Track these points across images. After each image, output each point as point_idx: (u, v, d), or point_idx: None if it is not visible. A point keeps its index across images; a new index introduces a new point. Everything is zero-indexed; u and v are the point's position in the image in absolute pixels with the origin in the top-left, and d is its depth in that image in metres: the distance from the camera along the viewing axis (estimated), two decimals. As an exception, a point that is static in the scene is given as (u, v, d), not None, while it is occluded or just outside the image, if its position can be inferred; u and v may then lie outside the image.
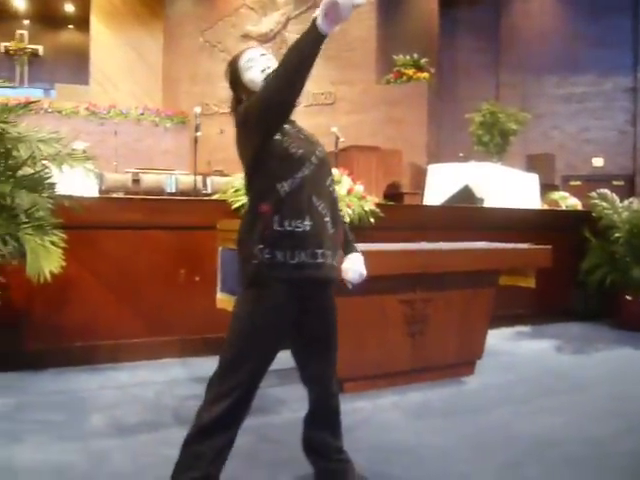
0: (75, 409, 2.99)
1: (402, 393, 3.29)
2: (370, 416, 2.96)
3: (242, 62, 1.98)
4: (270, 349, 1.87)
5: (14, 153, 2.59)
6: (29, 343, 3.58)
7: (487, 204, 5.72)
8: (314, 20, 1.62)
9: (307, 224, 1.78)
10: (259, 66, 1.94)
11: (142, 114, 12.75)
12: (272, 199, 1.77)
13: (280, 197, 1.76)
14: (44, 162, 2.74)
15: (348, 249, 2.12)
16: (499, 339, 4.56)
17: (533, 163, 9.29)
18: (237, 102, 1.99)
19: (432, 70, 11.49)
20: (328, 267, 1.86)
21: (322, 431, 2.09)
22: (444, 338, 3.50)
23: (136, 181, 8.26)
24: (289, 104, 1.72)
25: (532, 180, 6.98)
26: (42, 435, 2.65)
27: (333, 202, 1.94)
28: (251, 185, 1.86)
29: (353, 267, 2.06)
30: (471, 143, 9.81)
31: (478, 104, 9.95)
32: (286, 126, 1.85)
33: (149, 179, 8.31)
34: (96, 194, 4.77)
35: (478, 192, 5.71)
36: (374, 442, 2.64)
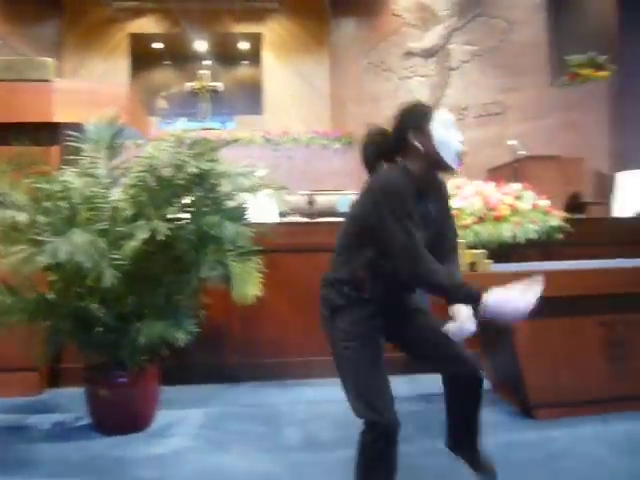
0: (272, 422, 3.18)
1: (603, 423, 3.01)
2: (569, 446, 2.76)
3: (438, 116, 1.96)
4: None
5: (219, 187, 2.87)
6: (228, 358, 3.90)
7: (691, 212, 5.12)
8: (480, 297, 1.84)
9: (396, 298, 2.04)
10: (456, 136, 1.96)
11: (312, 138, 13.35)
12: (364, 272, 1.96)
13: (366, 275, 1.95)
14: (242, 193, 2.99)
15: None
16: None
17: None
18: (391, 144, 1.98)
19: (613, 68, 10.59)
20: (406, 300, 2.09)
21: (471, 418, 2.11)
22: (650, 364, 3.18)
23: (310, 203, 8.63)
24: (402, 273, 1.83)
25: None
26: (244, 444, 2.86)
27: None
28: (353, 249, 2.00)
29: (455, 323, 1.94)
30: (662, 144, 8.87)
31: (669, 100, 8.98)
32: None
33: (322, 200, 8.64)
34: (277, 217, 5.06)
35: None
36: (578, 476, 2.46)
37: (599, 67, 10.54)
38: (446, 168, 1.95)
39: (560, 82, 10.89)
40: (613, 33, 11.57)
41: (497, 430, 2.95)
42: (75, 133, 3.20)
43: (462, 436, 2.19)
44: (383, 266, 1.92)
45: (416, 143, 1.92)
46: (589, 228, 4.44)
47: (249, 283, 2.83)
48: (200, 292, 3.20)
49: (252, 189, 2.90)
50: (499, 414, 3.19)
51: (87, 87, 4.21)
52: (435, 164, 1.94)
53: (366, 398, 1.90)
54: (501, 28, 11.56)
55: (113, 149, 3.15)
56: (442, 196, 2.08)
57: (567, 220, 4.12)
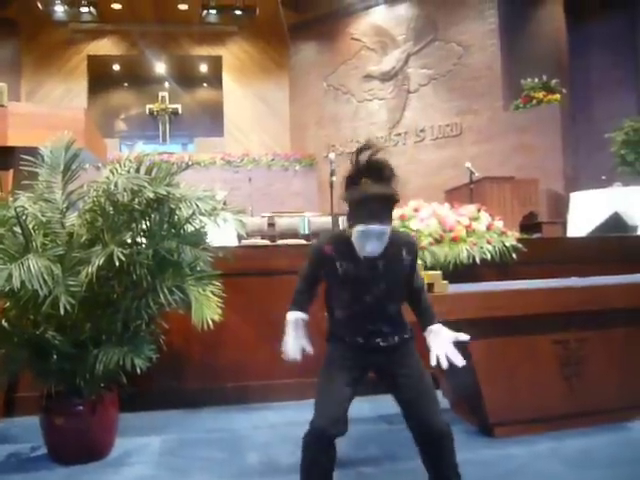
0: (233, 447, 3.14)
1: (559, 439, 3.08)
2: (526, 463, 2.81)
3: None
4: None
5: (177, 212, 2.86)
6: (188, 383, 3.84)
7: (640, 232, 5.32)
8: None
9: (360, 337, 2.27)
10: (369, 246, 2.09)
11: (272, 160, 13.43)
12: (339, 317, 2.32)
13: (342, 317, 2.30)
14: (201, 217, 2.98)
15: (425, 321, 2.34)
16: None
17: (687, 182, 8.50)
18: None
19: (564, 91, 11.00)
20: (383, 339, 2.27)
21: (440, 471, 2.26)
22: (604, 380, 3.27)
23: (271, 225, 8.66)
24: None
25: (689, 201, 6.38)
26: (206, 471, 2.82)
27: (385, 309, 2.25)
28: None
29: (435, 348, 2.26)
30: (612, 164, 9.22)
31: (617, 122, 9.35)
32: (342, 267, 2.17)
33: (283, 222, 8.68)
34: (236, 240, 5.04)
35: (630, 218, 5.32)
36: (535, 492, 2.51)
37: (551, 90, 10.93)
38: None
39: (514, 105, 11.24)
40: (564, 58, 12.05)
41: (456, 448, 2.98)
42: (30, 157, 3.14)
43: None
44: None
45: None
46: (544, 247, 4.57)
47: (208, 307, 2.81)
48: (159, 317, 3.16)
49: (211, 213, 2.89)
50: (457, 433, 3.16)
51: (43, 110, 4.16)
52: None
53: (315, 405, 2.18)
54: (456, 52, 11.91)
55: (69, 173, 3.10)
56: (398, 256, 2.22)
57: (522, 240, 4.24)
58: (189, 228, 2.97)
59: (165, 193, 2.73)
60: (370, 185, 2.05)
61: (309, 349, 2.23)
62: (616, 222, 5.28)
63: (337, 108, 13.49)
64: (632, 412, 3.37)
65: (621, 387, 3.31)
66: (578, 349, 3.20)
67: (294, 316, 2.29)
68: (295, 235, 8.13)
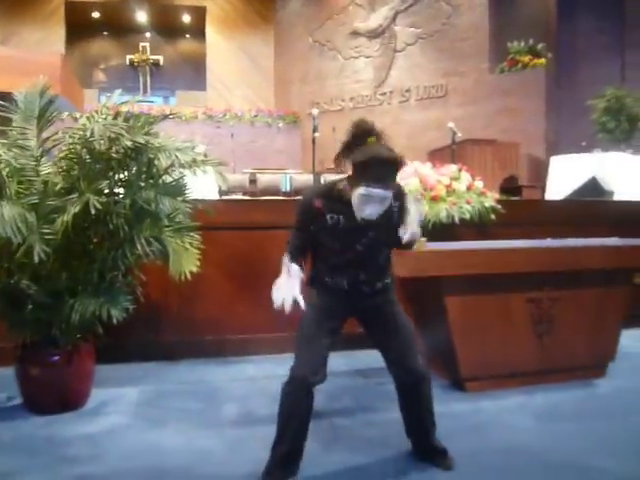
0: (210, 398, 3.19)
1: (529, 394, 3.18)
2: (495, 417, 2.90)
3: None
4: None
5: (155, 162, 2.81)
6: (165, 335, 3.86)
7: (617, 197, 5.37)
8: None
9: (345, 283, 2.28)
10: (370, 209, 2.09)
11: (256, 116, 13.21)
12: (325, 263, 2.29)
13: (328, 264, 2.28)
14: (180, 169, 2.94)
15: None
16: (634, 340, 4.27)
17: (666, 150, 8.58)
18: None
19: (549, 55, 10.92)
20: (368, 287, 2.30)
21: (417, 416, 2.39)
22: (573, 339, 3.35)
23: (253, 181, 8.58)
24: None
25: (666, 169, 6.46)
26: (182, 421, 2.86)
27: (374, 256, 2.29)
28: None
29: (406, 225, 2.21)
30: (593, 131, 9.24)
31: (601, 89, 9.32)
32: (333, 219, 2.18)
33: (265, 179, 8.60)
34: (216, 195, 5.00)
35: (606, 184, 5.37)
36: (501, 444, 2.59)
37: (537, 54, 10.83)
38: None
39: (500, 68, 11.15)
40: (551, 21, 11.91)
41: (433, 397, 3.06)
42: (4, 103, 3.05)
43: (415, 430, 2.44)
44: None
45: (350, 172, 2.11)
46: (522, 210, 4.60)
47: (186, 259, 2.80)
48: (136, 269, 3.14)
49: (191, 164, 2.85)
50: (432, 387, 3.30)
51: (17, 55, 4.03)
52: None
53: (295, 353, 2.22)
54: (445, 12, 11.70)
55: (44, 120, 3.03)
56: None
57: (501, 201, 4.26)
58: (168, 179, 2.93)
59: (143, 142, 2.68)
60: (378, 146, 2.03)
61: (302, 303, 2.15)
62: (593, 187, 5.32)
63: (322, 64, 13.25)
64: (598, 370, 3.48)
65: (589, 346, 3.40)
66: (550, 308, 3.27)
67: (291, 265, 2.19)
68: (277, 192, 8.07)
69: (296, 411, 2.19)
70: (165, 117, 3.03)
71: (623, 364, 3.59)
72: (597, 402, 3.13)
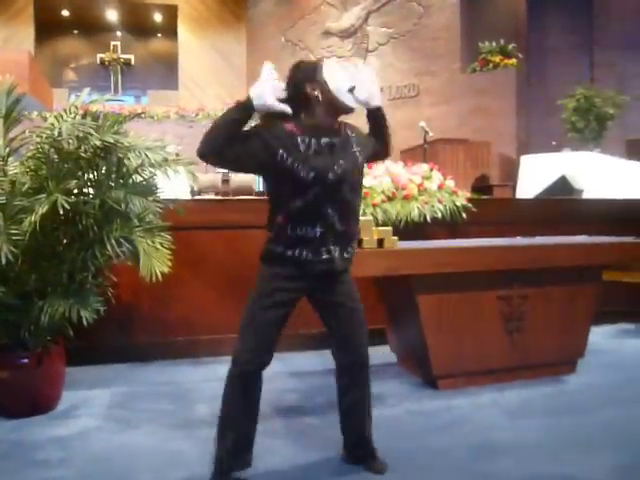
0: (181, 399, 3.16)
1: (500, 391, 3.23)
2: (468, 414, 2.93)
3: (325, 66, 2.11)
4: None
5: (125, 161, 2.77)
6: (137, 337, 3.82)
7: (586, 195, 5.48)
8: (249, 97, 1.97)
9: (317, 230, 2.06)
10: (344, 77, 2.11)
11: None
12: (286, 212, 2.04)
13: (292, 211, 2.03)
14: (151, 169, 2.91)
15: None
16: (602, 337, 4.37)
17: (634, 149, 8.76)
18: (289, 99, 2.06)
19: (520, 56, 11.08)
20: (332, 262, 2.12)
21: (355, 404, 2.31)
22: (543, 335, 3.41)
23: (226, 181, 8.53)
24: (203, 156, 1.99)
25: (634, 168, 6.60)
26: (153, 423, 2.83)
27: (348, 206, 2.13)
28: (270, 199, 2.13)
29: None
30: (564, 130, 9.40)
31: (570, 88, 9.50)
32: (306, 142, 2.02)
33: (238, 179, 8.55)
34: (188, 195, 4.97)
35: (576, 183, 5.47)
36: (474, 440, 2.61)
37: (508, 55, 10.98)
38: (345, 109, 2.11)
39: (471, 68, 11.27)
40: (522, 21, 12.08)
41: (401, 400, 3.09)
42: (-32, 101, 2.98)
43: (351, 424, 2.36)
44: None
45: (315, 93, 2.06)
46: (493, 208, 4.66)
47: (157, 259, 2.77)
48: (107, 270, 3.10)
49: (161, 164, 2.82)
50: (403, 385, 3.33)
51: (-18, 52, 3.93)
52: (335, 108, 2.10)
53: (242, 337, 2.15)
54: (416, 12, 11.78)
55: (11, 119, 2.97)
56: (345, 137, 2.16)
57: (472, 200, 4.31)
58: (138, 178, 2.89)
59: (112, 141, 2.65)
60: None
61: (283, 95, 2.02)
62: (563, 185, 5.42)
63: (295, 64, 13.25)
64: (568, 366, 3.54)
65: (559, 343, 3.46)
66: (520, 305, 3.32)
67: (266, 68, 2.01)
68: (250, 192, 8.04)
69: (238, 398, 2.15)
70: (135, 116, 3.00)
71: (592, 360, 3.67)
72: (566, 398, 3.18)
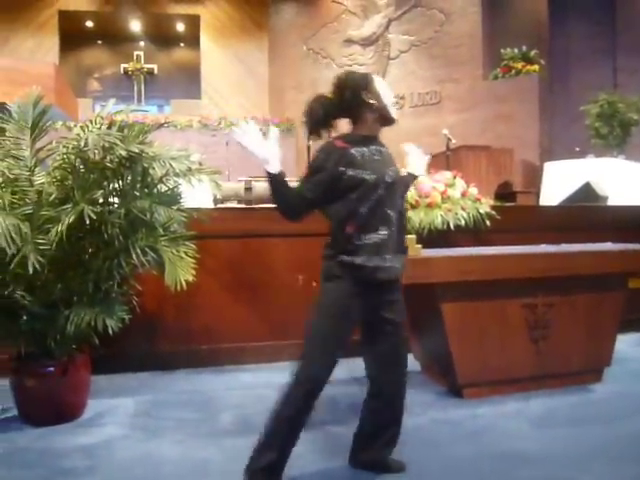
0: (206, 408, 3.18)
1: (525, 400, 3.19)
2: (493, 423, 2.90)
3: (376, 77, 2.25)
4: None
5: (150, 171, 2.81)
6: (161, 345, 3.85)
7: (611, 202, 5.40)
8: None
9: (381, 234, 2.13)
10: (390, 93, 2.27)
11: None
12: (355, 220, 2.10)
13: (360, 218, 2.09)
14: (175, 178, 2.94)
15: None
16: (628, 345, 4.29)
17: (659, 155, 8.62)
18: (337, 105, 2.24)
19: (542, 62, 10.98)
20: (394, 269, 2.19)
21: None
22: (569, 344, 3.36)
23: (248, 189, 8.56)
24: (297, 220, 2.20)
25: (659, 174, 6.50)
26: (179, 431, 2.85)
27: (401, 213, 2.28)
28: (334, 216, 2.16)
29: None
30: (587, 136, 9.27)
31: (594, 94, 9.37)
32: (360, 152, 2.14)
33: (260, 187, 8.57)
34: (211, 203, 5.00)
35: (600, 189, 5.39)
36: (499, 450, 2.58)
37: (530, 61, 10.89)
38: (391, 120, 2.25)
39: (493, 74, 11.20)
40: (544, 27, 11.97)
41: (426, 409, 3.06)
42: (-3, 113, 3.06)
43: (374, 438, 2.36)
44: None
45: (372, 101, 2.18)
46: (517, 215, 4.62)
47: (182, 268, 2.79)
48: (132, 279, 3.13)
49: (185, 173, 2.85)
50: (428, 394, 3.30)
51: (10, 65, 4.03)
52: (384, 118, 2.23)
53: (311, 351, 2.13)
54: (438, 19, 11.76)
55: (38, 130, 3.03)
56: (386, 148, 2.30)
57: (495, 207, 4.28)
58: (163, 188, 2.93)
59: (138, 151, 2.68)
60: None
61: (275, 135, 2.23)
62: (587, 192, 5.34)
63: (316, 72, 13.28)
64: (594, 375, 3.48)
65: (584, 351, 3.40)
66: (545, 313, 3.28)
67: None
68: (272, 200, 8.06)
69: (305, 414, 2.13)
70: (160, 126, 3.04)
71: (619, 369, 3.60)
72: (593, 407, 3.13)
